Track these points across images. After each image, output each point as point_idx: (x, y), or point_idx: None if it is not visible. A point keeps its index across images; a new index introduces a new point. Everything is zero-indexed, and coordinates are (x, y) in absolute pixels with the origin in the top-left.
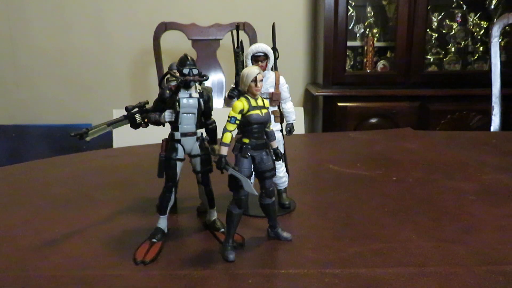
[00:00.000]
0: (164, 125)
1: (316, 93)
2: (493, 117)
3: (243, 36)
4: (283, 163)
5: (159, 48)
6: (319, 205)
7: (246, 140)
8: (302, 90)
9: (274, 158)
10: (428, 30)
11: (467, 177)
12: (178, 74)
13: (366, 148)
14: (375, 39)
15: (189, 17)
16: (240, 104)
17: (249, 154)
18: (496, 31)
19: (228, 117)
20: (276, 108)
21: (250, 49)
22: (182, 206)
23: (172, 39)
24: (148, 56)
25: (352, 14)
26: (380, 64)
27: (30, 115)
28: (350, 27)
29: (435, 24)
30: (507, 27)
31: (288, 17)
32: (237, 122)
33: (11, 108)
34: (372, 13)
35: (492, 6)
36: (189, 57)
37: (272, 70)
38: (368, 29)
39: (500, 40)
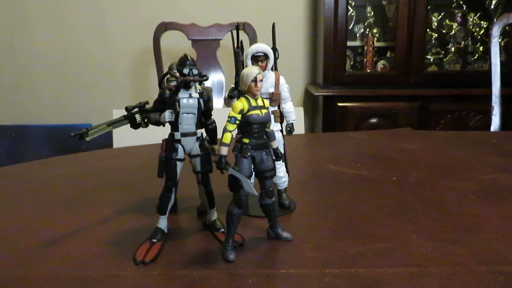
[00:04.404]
0: (164, 125)
1: (316, 93)
2: (493, 117)
3: (243, 36)
4: (283, 163)
5: (159, 48)
6: (319, 205)
7: (246, 140)
8: (302, 90)
9: (274, 158)
10: (428, 30)
11: (467, 177)
12: (178, 74)
13: (366, 148)
14: (375, 39)
15: (189, 17)
16: (240, 104)
17: (249, 154)
18: (496, 31)
19: (228, 117)
20: (276, 108)
21: (250, 49)
22: (182, 206)
23: (172, 39)
24: (148, 56)
25: (352, 14)
26: (380, 64)
27: (30, 115)
28: (350, 27)
29: (435, 24)
30: (507, 27)
31: (288, 17)
32: (237, 122)
33: (11, 108)
34: (372, 13)
35: (492, 6)
36: (189, 57)
37: (272, 70)
38: (368, 29)
39: (500, 40)
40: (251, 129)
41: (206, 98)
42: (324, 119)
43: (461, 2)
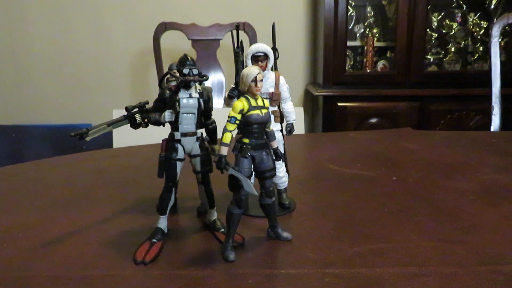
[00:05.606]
0: (164, 125)
1: (316, 93)
2: (493, 117)
3: (243, 36)
4: (283, 163)
5: (159, 48)
6: (319, 205)
7: (246, 140)
8: (302, 90)
9: (274, 158)
10: (428, 30)
11: (467, 177)
12: (178, 74)
13: (366, 148)
14: (375, 39)
15: (189, 17)
16: (240, 104)
17: (249, 154)
18: (496, 31)
19: (228, 117)
20: (276, 108)
21: (250, 49)
22: (182, 206)
23: (172, 39)
24: (148, 56)
25: (352, 14)
26: (380, 64)
27: (30, 115)
28: (350, 27)
29: (435, 24)
30: (507, 27)
31: (288, 17)
32: (237, 122)
33: (11, 108)
34: (372, 13)
35: (492, 6)
36: (189, 57)
37: (272, 70)
38: (368, 29)
39: (500, 40)
40: (251, 129)
41: (206, 98)
42: (324, 119)
43: (461, 2)
